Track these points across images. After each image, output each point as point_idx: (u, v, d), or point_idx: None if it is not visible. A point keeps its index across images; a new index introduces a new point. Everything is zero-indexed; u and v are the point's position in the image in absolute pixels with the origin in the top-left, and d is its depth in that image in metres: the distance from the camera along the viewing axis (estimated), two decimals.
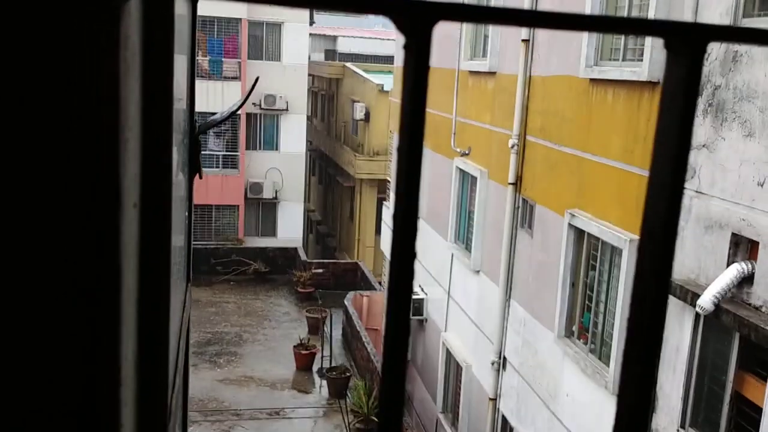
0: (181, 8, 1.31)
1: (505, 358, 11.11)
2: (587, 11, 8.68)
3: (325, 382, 17.14)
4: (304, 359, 17.97)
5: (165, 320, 0.77)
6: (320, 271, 23.52)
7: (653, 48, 7.41)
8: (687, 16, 6.92)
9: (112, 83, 0.45)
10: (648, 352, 0.48)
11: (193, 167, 1.64)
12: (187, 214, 1.67)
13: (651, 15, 7.48)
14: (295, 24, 26.76)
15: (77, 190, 0.45)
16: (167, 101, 0.71)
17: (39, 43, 0.43)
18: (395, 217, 0.47)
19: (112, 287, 0.47)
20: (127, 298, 0.57)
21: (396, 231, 0.44)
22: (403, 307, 0.45)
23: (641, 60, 7.75)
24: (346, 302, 19.54)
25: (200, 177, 1.73)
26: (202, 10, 24.63)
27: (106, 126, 0.45)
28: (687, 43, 0.49)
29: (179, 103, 1.43)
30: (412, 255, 0.46)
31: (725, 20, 6.46)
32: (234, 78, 25.79)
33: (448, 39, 13.59)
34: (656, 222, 0.53)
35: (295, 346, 18.19)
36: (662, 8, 7.33)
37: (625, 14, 8.25)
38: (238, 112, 25.58)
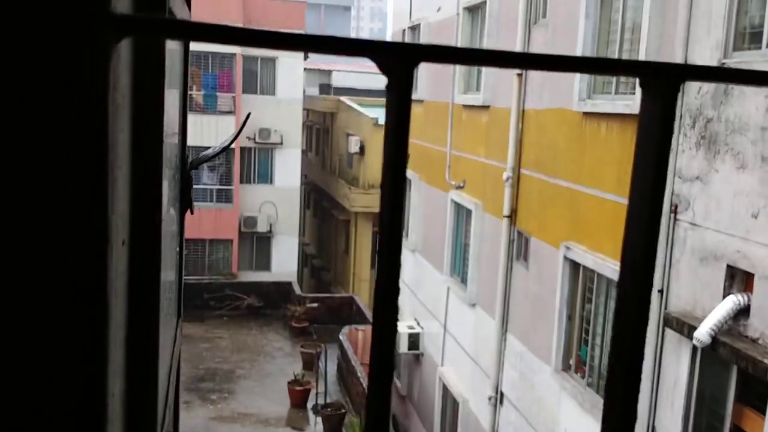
0: (173, 43, 1.30)
1: (502, 392, 11.00)
2: (579, 44, 8.79)
3: (320, 419, 16.92)
4: (298, 396, 17.77)
5: (154, 357, 0.75)
6: (315, 305, 23.38)
7: None
8: (678, 50, 7.00)
9: (100, 124, 0.44)
10: (631, 380, 0.47)
11: (185, 202, 1.63)
12: (178, 249, 1.65)
13: (642, 48, 7.57)
14: (290, 59, 27.01)
15: (65, 229, 0.44)
16: (157, 139, 0.71)
17: (28, 84, 0.42)
18: (379, 253, 0.46)
19: (99, 324, 0.46)
20: (115, 336, 0.55)
21: (380, 267, 0.43)
22: (388, 342, 0.43)
23: (633, 93, 7.82)
24: (341, 337, 19.41)
25: (191, 212, 1.71)
26: (197, 45, 24.90)
27: (94, 166, 0.44)
28: (661, 82, 0.49)
29: (171, 138, 1.42)
30: (396, 290, 0.45)
31: (716, 53, 6.54)
32: (228, 112, 25.92)
33: (442, 73, 13.72)
34: (635, 254, 0.53)
35: (289, 383, 17.99)
36: (653, 41, 7.42)
37: (617, 48, 8.35)
38: (232, 146, 25.67)
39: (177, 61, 1.64)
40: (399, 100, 0.45)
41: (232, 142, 2.50)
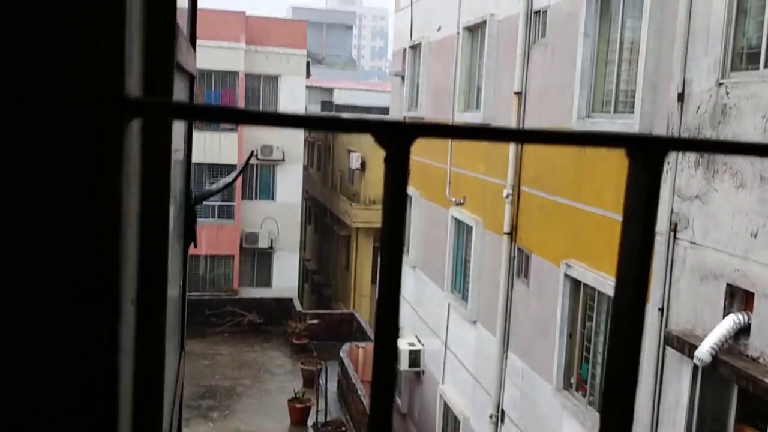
0: (179, 89, 1.35)
1: (503, 410, 10.98)
2: (578, 64, 8.85)
3: None
4: (298, 413, 17.70)
5: (158, 412, 0.78)
6: (315, 321, 23.35)
7: (644, 101, 7.54)
8: (676, 69, 7.05)
9: (114, 200, 0.47)
10: (626, 394, 0.50)
11: (189, 237, 1.67)
12: (181, 284, 1.69)
13: (641, 68, 7.63)
14: (292, 77, 27.16)
15: (75, 295, 0.48)
16: (164, 201, 0.74)
17: (49, 165, 0.46)
18: (376, 335, 0.50)
19: (109, 384, 0.49)
20: (123, 393, 0.58)
21: (375, 358, 0.47)
22: (389, 357, 0.47)
23: (632, 112, 7.87)
24: (341, 354, 19.36)
25: (195, 246, 1.75)
26: (200, 63, 25.03)
27: (108, 235, 0.47)
28: (647, 153, 0.53)
29: (177, 177, 1.46)
30: (396, 312, 0.48)
31: (713, 73, 6.59)
32: (231, 130, 26.03)
33: (443, 91, 13.80)
34: (623, 318, 0.56)
35: (289, 400, 17.93)
36: (651, 61, 7.48)
37: (615, 67, 8.41)
38: (235, 163, 25.73)
39: (182, 95, 1.68)
40: (396, 174, 0.48)
41: (235, 179, 2.55)
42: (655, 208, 0.53)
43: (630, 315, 0.54)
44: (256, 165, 27.25)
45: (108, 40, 0.47)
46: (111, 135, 0.47)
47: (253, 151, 3.75)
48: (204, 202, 26.37)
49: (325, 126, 0.51)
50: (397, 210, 0.50)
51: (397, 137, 0.49)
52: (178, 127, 1.52)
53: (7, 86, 0.46)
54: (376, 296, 0.51)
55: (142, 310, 0.69)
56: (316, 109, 35.03)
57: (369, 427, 0.50)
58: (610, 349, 0.57)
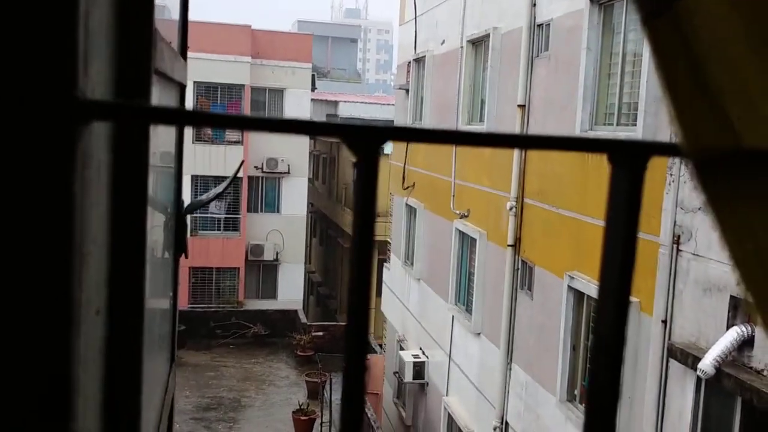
0: (168, 98, 1.35)
1: (507, 423, 10.91)
2: (581, 77, 8.86)
3: None
4: (303, 425, 17.64)
5: (135, 418, 0.78)
6: (320, 333, 23.31)
7: (647, 113, 7.54)
8: None
9: (65, 204, 0.47)
10: (610, 396, 0.50)
11: (179, 247, 1.67)
12: (172, 294, 1.69)
13: (643, 80, 7.63)
14: (297, 90, 27.25)
15: (26, 304, 0.47)
16: (141, 204, 0.74)
17: None
18: (348, 310, 0.50)
19: (64, 399, 0.48)
20: (85, 407, 0.57)
21: (347, 355, 0.47)
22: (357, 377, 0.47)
23: (635, 124, 7.87)
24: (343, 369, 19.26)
25: (186, 257, 1.75)
26: (206, 76, 25.14)
27: (59, 243, 0.47)
28: (629, 158, 0.52)
29: (167, 184, 1.47)
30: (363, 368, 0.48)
31: None
32: (236, 142, 26.11)
33: (447, 104, 13.83)
34: (606, 324, 0.55)
35: (294, 412, 17.88)
36: (653, 75, 7.48)
37: (618, 80, 8.41)
38: (240, 175, 25.80)
39: (173, 102, 1.68)
40: (366, 177, 0.48)
41: (225, 189, 2.55)
42: (637, 214, 0.52)
43: (612, 324, 0.53)
44: (262, 178, 27.31)
45: (58, 39, 0.47)
46: (61, 136, 0.47)
47: (242, 162, 3.77)
48: (210, 215, 26.45)
49: (293, 129, 0.52)
50: (367, 216, 0.50)
51: (365, 141, 0.49)
52: (168, 137, 1.52)
53: None
54: (347, 304, 0.51)
55: (115, 320, 0.68)
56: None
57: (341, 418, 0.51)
58: (592, 357, 0.57)
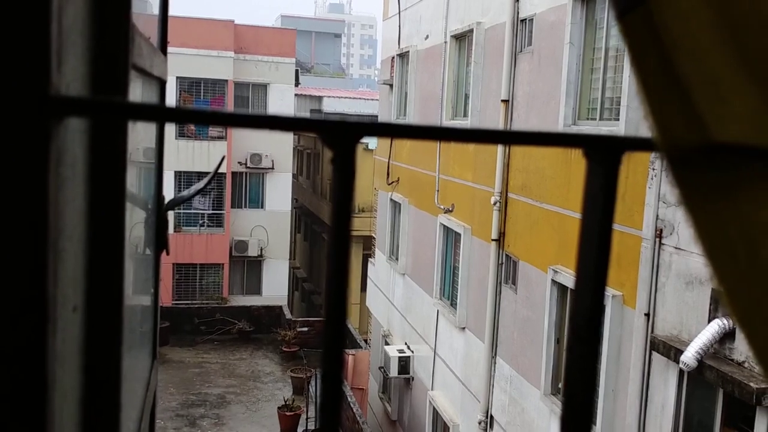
0: (148, 95, 1.34)
1: (492, 416, 10.97)
2: (564, 71, 8.90)
3: None
4: (288, 421, 17.64)
5: (114, 420, 0.77)
6: (305, 329, 23.29)
7: (629, 108, 7.59)
8: None
9: (40, 201, 0.46)
10: (586, 384, 0.50)
11: (160, 244, 1.66)
12: (153, 290, 1.68)
13: (626, 75, 7.68)
14: (281, 85, 27.17)
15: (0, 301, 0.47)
16: (119, 200, 0.73)
17: None
18: (325, 319, 0.50)
19: (38, 396, 0.48)
20: (63, 403, 0.57)
21: (325, 333, 0.47)
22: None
23: (618, 119, 7.92)
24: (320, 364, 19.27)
25: (167, 253, 1.74)
26: (189, 71, 25.00)
27: (31, 240, 0.47)
28: (604, 152, 0.53)
29: (147, 180, 1.46)
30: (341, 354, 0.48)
31: None
32: (219, 138, 26.00)
33: (431, 99, 13.84)
34: (582, 314, 0.56)
35: (279, 408, 17.87)
36: None
37: (601, 74, 8.46)
38: (224, 171, 25.70)
39: (153, 98, 1.67)
40: (342, 172, 0.49)
41: (206, 185, 2.54)
42: (612, 207, 0.53)
43: (588, 313, 0.54)
44: (246, 173, 27.23)
45: (30, 35, 0.47)
46: (34, 133, 0.46)
47: (223, 157, 3.76)
48: (193, 211, 26.33)
49: (269, 125, 0.52)
50: (343, 211, 0.50)
51: (340, 136, 0.49)
52: (149, 133, 1.51)
53: None
54: (323, 301, 0.51)
55: (93, 317, 0.68)
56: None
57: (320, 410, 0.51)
58: (569, 346, 0.57)
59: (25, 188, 0.46)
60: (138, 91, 1.13)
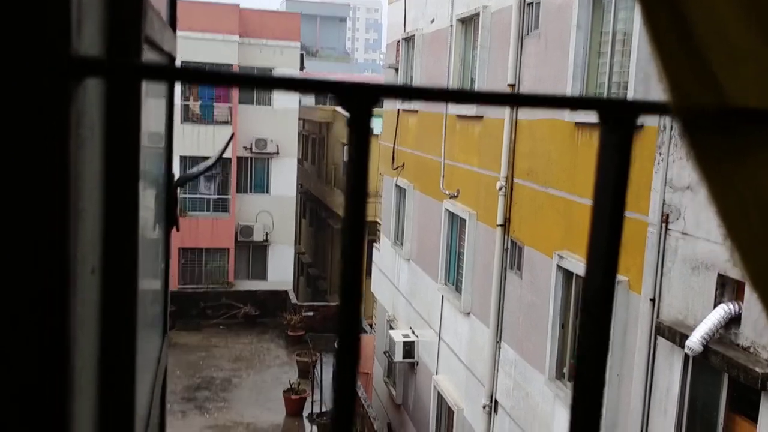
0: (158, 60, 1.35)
1: (496, 400, 11.02)
2: (570, 55, 8.85)
3: (315, 428, 16.90)
4: (294, 404, 17.75)
5: (130, 388, 0.78)
6: (311, 314, 23.38)
7: (636, 92, 7.55)
8: None
9: (61, 162, 0.47)
10: (598, 365, 0.50)
11: (170, 220, 1.67)
12: (164, 265, 1.69)
13: (633, 58, 7.63)
14: (286, 69, 27.09)
15: (23, 261, 0.47)
16: (134, 165, 0.74)
17: None
18: (341, 280, 0.50)
19: (60, 358, 0.48)
20: (83, 364, 0.58)
21: (341, 303, 0.47)
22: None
23: None
24: (336, 345, 19.37)
25: (177, 230, 1.75)
26: (194, 55, 24.94)
27: (55, 200, 0.47)
28: (619, 117, 0.52)
29: (156, 155, 1.46)
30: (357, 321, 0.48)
31: None
32: (225, 122, 25.98)
33: (437, 83, 13.79)
34: (594, 286, 0.56)
35: (285, 391, 17.98)
36: (644, 51, 7.48)
37: (608, 58, 8.41)
38: (229, 156, 25.70)
39: (162, 88, 1.67)
40: (359, 135, 0.49)
41: (216, 161, 2.54)
42: (627, 173, 0.52)
43: (601, 291, 0.54)
44: (251, 158, 27.22)
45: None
46: (57, 92, 0.46)
47: (233, 134, 3.76)
48: (199, 196, 26.36)
49: (284, 86, 0.51)
50: (361, 169, 0.50)
51: (358, 99, 0.49)
52: (159, 110, 1.51)
53: None
54: (340, 267, 0.51)
55: (109, 281, 0.68)
56: (310, 102, 34.99)
57: (333, 404, 0.51)
58: (581, 323, 0.57)
59: (48, 147, 0.47)
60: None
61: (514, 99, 0.54)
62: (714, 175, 0.50)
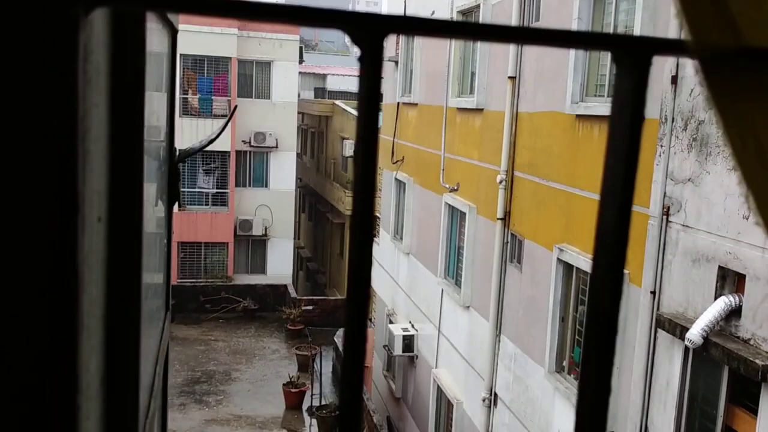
0: (160, 43, 1.32)
1: (496, 394, 11.02)
2: (571, 53, 8.82)
3: (315, 421, 16.91)
4: (293, 398, 17.76)
5: (135, 341, 0.77)
6: (310, 307, 23.38)
7: None
8: (672, 27, 7.02)
9: (68, 92, 0.45)
10: (605, 354, 0.48)
11: (173, 195, 1.65)
12: (166, 241, 1.67)
13: (637, 26, 7.60)
14: (285, 62, 27.04)
15: (32, 199, 0.46)
16: (138, 114, 0.72)
17: None
18: (352, 227, 0.48)
19: (69, 300, 0.47)
20: (90, 311, 0.56)
21: (352, 242, 0.45)
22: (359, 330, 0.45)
23: None
24: (336, 339, 19.42)
25: (180, 207, 1.73)
26: (193, 49, 24.89)
27: (63, 135, 0.46)
28: (633, 55, 0.51)
29: (159, 133, 1.45)
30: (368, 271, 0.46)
31: None
32: (224, 116, 25.93)
33: (437, 76, 13.76)
34: (608, 234, 0.54)
35: (284, 384, 17.99)
36: (647, 23, 7.43)
37: (612, 25, 8.38)
38: (228, 150, 25.66)
39: (164, 51, 1.65)
40: (370, 70, 0.46)
41: (218, 135, 2.53)
42: (642, 113, 0.51)
43: (614, 222, 0.52)
44: (250, 152, 27.18)
45: None
46: (66, 21, 0.45)
47: (236, 106, 3.74)
48: (198, 190, 26.32)
49: (293, 18, 0.49)
50: (371, 107, 0.48)
51: (369, 31, 0.47)
52: (160, 96, 1.49)
53: None
54: (349, 238, 0.49)
55: (114, 230, 0.67)
56: (309, 95, 34.95)
57: (340, 398, 0.49)
58: (594, 258, 0.55)
59: (56, 78, 0.45)
60: (153, 36, 1.11)
61: (526, 34, 0.52)
62: (729, 114, 0.49)
